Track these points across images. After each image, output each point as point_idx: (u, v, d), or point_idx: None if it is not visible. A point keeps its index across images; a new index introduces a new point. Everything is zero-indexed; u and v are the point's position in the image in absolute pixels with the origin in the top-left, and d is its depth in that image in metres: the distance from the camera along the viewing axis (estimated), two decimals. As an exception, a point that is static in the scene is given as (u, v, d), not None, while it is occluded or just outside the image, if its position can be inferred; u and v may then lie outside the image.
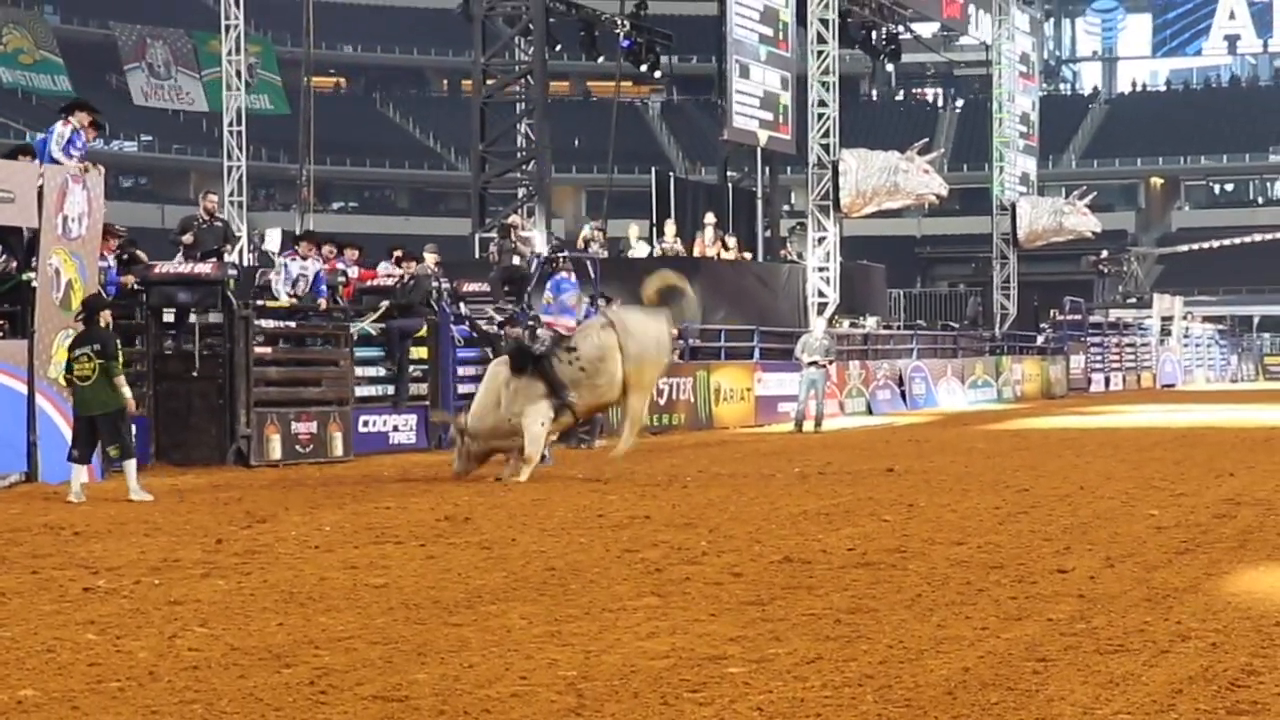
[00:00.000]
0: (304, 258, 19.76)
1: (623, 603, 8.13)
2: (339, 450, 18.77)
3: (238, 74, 36.94)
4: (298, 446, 18.28)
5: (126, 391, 14.04)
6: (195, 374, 17.63)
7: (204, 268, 18.42)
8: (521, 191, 32.06)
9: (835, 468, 17.24)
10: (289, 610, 7.96)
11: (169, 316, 17.83)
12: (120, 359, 14.04)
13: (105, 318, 14.32)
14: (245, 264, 27.67)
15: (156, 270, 18.35)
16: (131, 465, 13.89)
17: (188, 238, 19.91)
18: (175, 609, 8.02)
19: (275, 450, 17.97)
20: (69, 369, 14.12)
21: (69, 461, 14.01)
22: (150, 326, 17.65)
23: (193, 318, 17.72)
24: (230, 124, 36.91)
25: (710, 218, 31.68)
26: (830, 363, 26.75)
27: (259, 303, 18.86)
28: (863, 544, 10.44)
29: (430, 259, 22.34)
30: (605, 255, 28.24)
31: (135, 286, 17.87)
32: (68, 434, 14.57)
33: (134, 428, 14.50)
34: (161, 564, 9.67)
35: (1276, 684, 6.18)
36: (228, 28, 36.98)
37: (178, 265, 18.95)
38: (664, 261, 29.81)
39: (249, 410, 17.74)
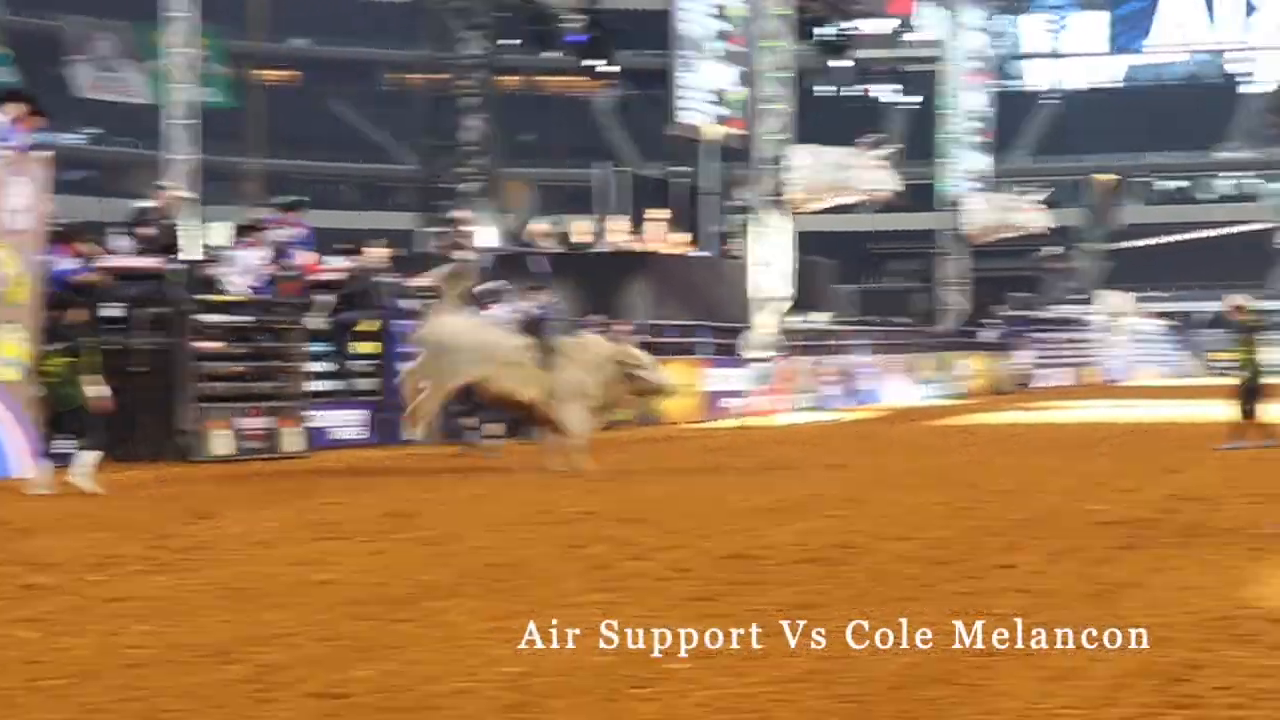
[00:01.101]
0: (255, 246, 19.57)
1: (568, 599, 8.10)
2: (296, 445, 18.56)
3: (186, 68, 36.68)
4: (248, 442, 18.11)
5: (96, 389, 14.04)
6: (138, 369, 17.46)
7: (147, 261, 18.26)
8: (470, 186, 32.00)
9: (783, 463, 17.24)
10: (232, 607, 7.90)
11: (113, 311, 17.69)
12: (89, 356, 14.09)
13: (74, 315, 14.39)
14: (190, 258, 27.42)
15: (100, 264, 18.17)
16: (91, 456, 13.86)
17: (146, 230, 19.68)
18: (116, 606, 7.95)
19: (222, 446, 17.80)
20: (39, 366, 14.17)
21: (43, 458, 14.06)
22: (94, 321, 17.47)
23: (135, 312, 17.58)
24: (176, 117, 36.66)
25: (658, 212, 31.68)
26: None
27: (206, 297, 18.70)
28: (810, 539, 10.44)
29: (378, 253, 22.26)
30: (558, 250, 28.21)
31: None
32: (11, 430, 14.50)
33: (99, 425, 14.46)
34: (103, 560, 9.58)
35: (1217, 678, 6.20)
36: (170, 19, 36.70)
37: (122, 259, 18.77)
38: (612, 257, 29.87)
39: (192, 405, 17.59)
